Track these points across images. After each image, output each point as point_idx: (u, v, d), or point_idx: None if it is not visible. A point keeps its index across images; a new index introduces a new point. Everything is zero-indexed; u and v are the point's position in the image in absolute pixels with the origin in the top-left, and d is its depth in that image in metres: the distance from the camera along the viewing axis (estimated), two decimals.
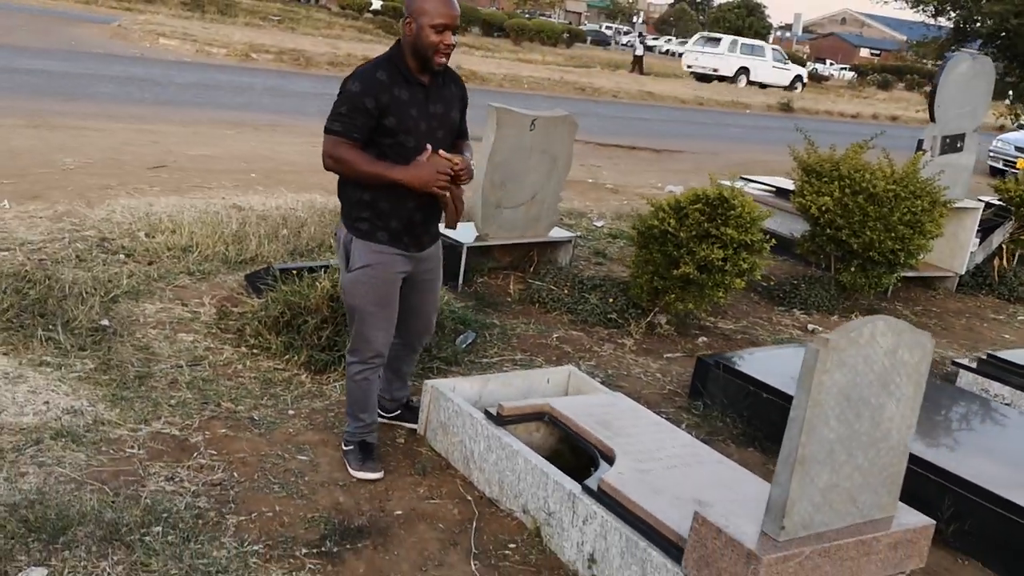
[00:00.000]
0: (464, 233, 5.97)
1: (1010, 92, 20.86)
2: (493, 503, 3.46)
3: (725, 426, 4.39)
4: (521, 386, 4.02)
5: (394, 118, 3.21)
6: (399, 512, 3.33)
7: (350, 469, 3.53)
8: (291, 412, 3.99)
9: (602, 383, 4.66)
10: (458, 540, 3.21)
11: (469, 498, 3.48)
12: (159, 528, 3.00)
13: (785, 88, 34.12)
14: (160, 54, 17.12)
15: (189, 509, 3.13)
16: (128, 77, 13.62)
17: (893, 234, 6.45)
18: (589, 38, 57.08)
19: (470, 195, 6.02)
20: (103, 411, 3.74)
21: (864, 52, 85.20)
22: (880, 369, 2.61)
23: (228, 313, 4.94)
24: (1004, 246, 8.30)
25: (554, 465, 3.37)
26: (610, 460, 3.27)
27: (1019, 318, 7.58)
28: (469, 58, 24.89)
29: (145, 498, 3.15)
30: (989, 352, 5.47)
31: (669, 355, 5.36)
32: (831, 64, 73.45)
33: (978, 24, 19.67)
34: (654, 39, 66.03)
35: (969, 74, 7.61)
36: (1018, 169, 14.09)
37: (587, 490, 3.09)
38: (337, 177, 3.36)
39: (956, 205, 7.49)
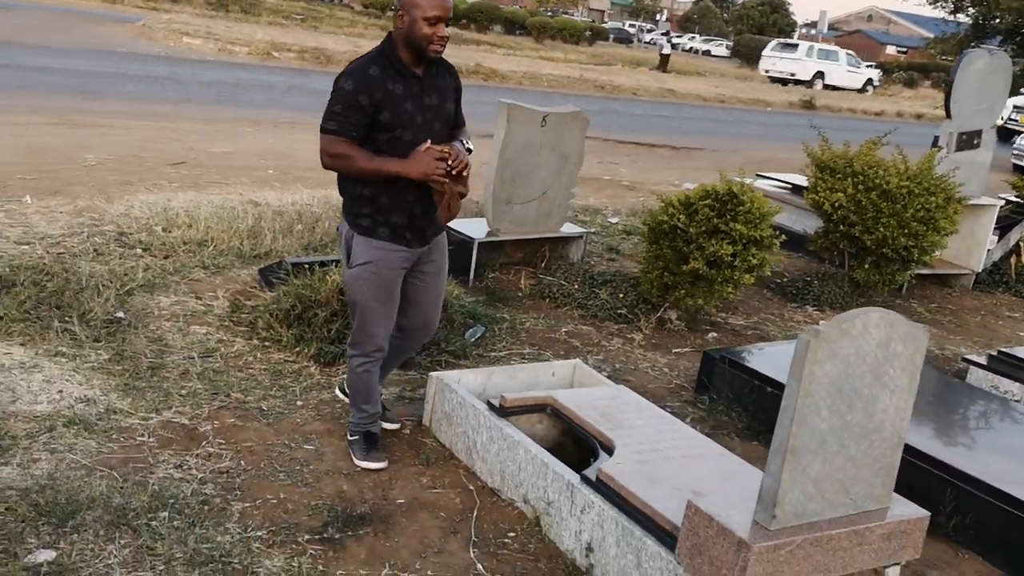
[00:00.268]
0: (475, 228, 6.03)
1: None
2: (495, 493, 3.51)
3: (730, 420, 4.41)
4: (526, 379, 4.06)
5: (389, 113, 3.22)
6: (401, 501, 3.38)
7: (354, 459, 3.59)
8: (299, 403, 4.06)
9: (609, 377, 4.69)
10: (458, 528, 3.25)
11: (471, 488, 3.53)
12: (165, 513, 3.06)
13: (858, 91, 35.83)
14: (183, 53, 17.30)
15: (195, 495, 3.20)
16: (151, 75, 13.78)
17: (906, 230, 6.43)
18: (612, 36, 56.98)
19: (480, 191, 6.10)
20: (115, 400, 3.82)
21: (891, 49, 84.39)
22: (873, 361, 2.63)
23: (241, 306, 5.02)
24: (1022, 244, 8.25)
25: (557, 456, 3.41)
26: (610, 451, 3.31)
27: None
28: (490, 56, 24.94)
29: (153, 484, 3.22)
30: (1000, 349, 5.45)
31: (677, 350, 5.39)
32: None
33: (997, 20, 19.69)
34: (678, 36, 65.77)
35: (986, 70, 7.56)
36: None
37: (585, 480, 3.13)
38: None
39: (973, 202, 7.46)
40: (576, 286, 5.98)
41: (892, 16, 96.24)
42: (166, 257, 5.62)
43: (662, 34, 57.48)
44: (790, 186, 8.78)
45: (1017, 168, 16.32)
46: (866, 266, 6.73)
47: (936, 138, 7.32)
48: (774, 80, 34.90)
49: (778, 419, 2.56)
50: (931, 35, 49.90)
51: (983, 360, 5.26)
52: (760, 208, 5.35)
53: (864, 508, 2.78)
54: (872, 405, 2.68)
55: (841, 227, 6.65)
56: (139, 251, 5.66)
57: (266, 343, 4.62)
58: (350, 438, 3.66)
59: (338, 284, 4.66)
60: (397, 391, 4.29)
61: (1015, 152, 16.94)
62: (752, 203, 5.32)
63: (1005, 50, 13.24)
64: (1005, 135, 20.48)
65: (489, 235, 6.00)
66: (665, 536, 2.80)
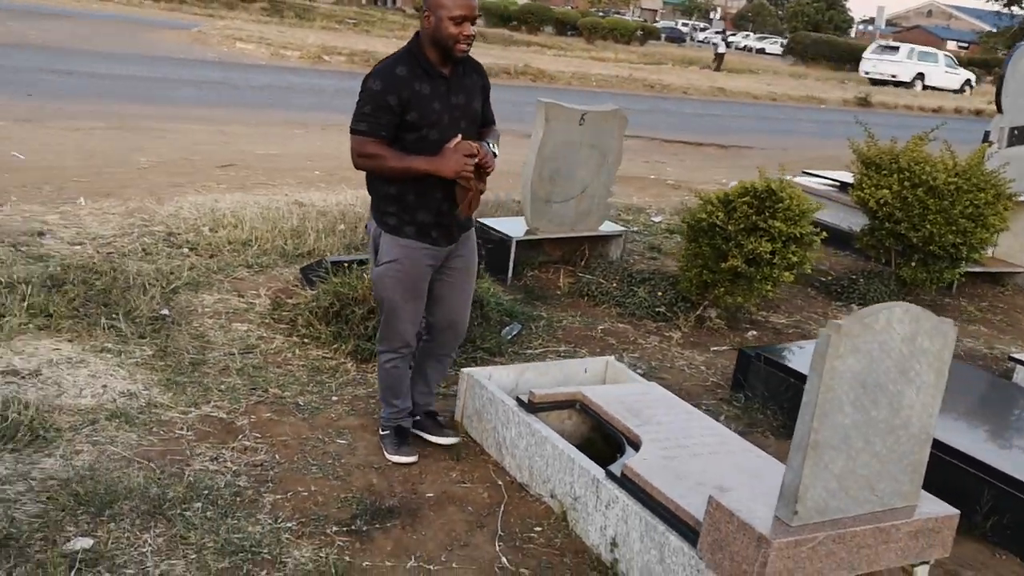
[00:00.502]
0: (513, 227, 6.06)
1: None
2: (523, 488, 3.53)
3: (765, 418, 4.38)
4: (558, 375, 4.08)
5: (416, 112, 3.24)
6: (430, 494, 3.42)
7: (386, 453, 3.64)
8: (335, 398, 4.12)
9: (643, 375, 4.69)
10: (485, 523, 3.28)
11: (500, 483, 3.55)
12: (199, 504, 3.15)
13: (955, 91, 36.46)
14: (237, 58, 17.64)
15: (229, 487, 3.28)
16: (205, 80, 14.08)
17: (954, 227, 6.31)
18: (664, 35, 56.63)
19: (519, 190, 6.12)
20: (157, 395, 3.92)
21: (951, 45, 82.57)
22: (898, 356, 2.60)
23: (282, 304, 5.11)
24: None
25: (587, 452, 3.42)
26: (637, 447, 3.31)
27: None
28: (539, 57, 24.98)
29: (188, 476, 3.31)
30: None
31: (716, 348, 5.35)
32: None
33: None
34: (732, 35, 65.12)
35: None
36: None
37: (611, 475, 3.13)
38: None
39: None
40: (614, 284, 5.97)
41: (953, 11, 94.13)
42: (211, 256, 5.74)
43: (716, 32, 57.02)
44: (837, 183, 8.65)
45: None
46: (913, 264, 6.61)
47: (987, 133, 7.17)
48: (874, 82, 35.56)
49: (799, 414, 2.54)
50: (995, 30, 48.80)
51: None
52: (800, 205, 5.29)
53: (891, 505, 2.74)
54: (898, 401, 2.65)
55: (887, 224, 6.55)
56: (186, 251, 5.80)
57: (305, 340, 4.70)
58: (382, 433, 3.72)
59: None
60: None
61: None
62: (791, 200, 5.27)
63: None
64: None
65: (528, 234, 6.03)
66: (688, 531, 2.80)
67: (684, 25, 75.16)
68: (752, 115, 19.74)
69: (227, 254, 5.80)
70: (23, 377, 3.87)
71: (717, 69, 31.58)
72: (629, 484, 3.06)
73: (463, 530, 3.23)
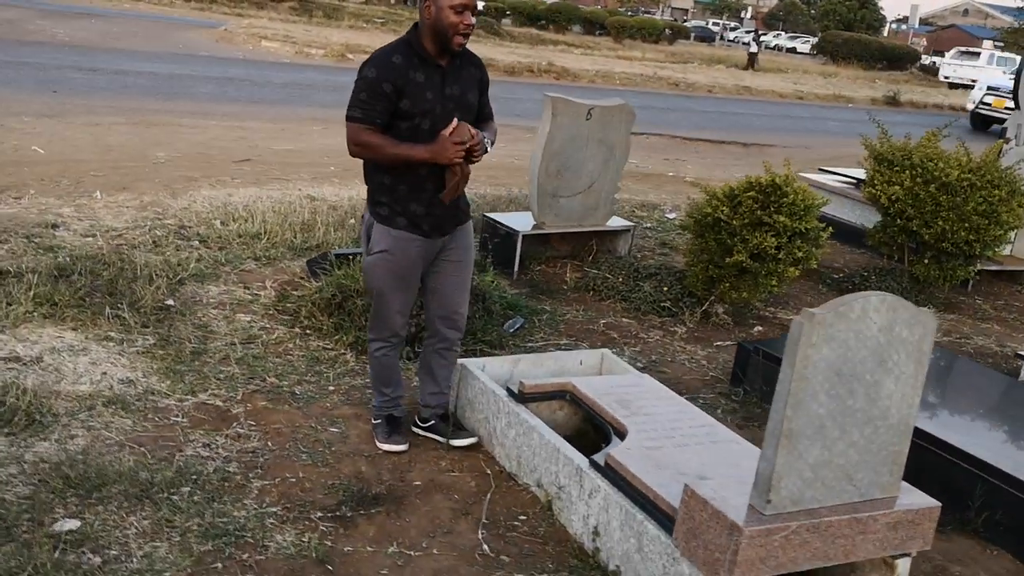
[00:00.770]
0: (520, 221, 6.08)
1: None
2: (512, 477, 3.54)
3: (762, 412, 4.35)
4: (553, 367, 4.08)
5: (409, 101, 3.24)
6: (418, 483, 3.45)
7: (377, 442, 3.66)
8: (331, 388, 4.16)
9: (643, 368, 4.69)
10: (471, 511, 3.30)
11: (488, 472, 3.57)
12: (187, 488, 3.19)
13: None
14: (261, 56, 17.79)
15: (218, 472, 3.32)
16: (228, 78, 14.21)
17: (967, 224, 6.23)
18: (693, 34, 56.35)
19: (526, 183, 6.14)
20: (155, 382, 3.98)
21: (987, 44, 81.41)
22: (875, 345, 2.58)
23: (287, 296, 5.16)
24: None
25: (578, 443, 3.43)
26: (623, 437, 3.31)
27: None
28: (564, 55, 24.97)
29: (178, 461, 3.36)
30: None
31: (719, 343, 5.33)
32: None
33: None
34: (763, 34, 64.65)
35: None
36: None
37: (594, 465, 3.14)
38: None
39: None
40: (621, 279, 5.96)
41: (989, 10, 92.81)
42: (221, 249, 5.80)
43: (747, 32, 56.60)
44: (854, 181, 8.58)
45: None
46: (926, 261, 6.55)
47: (1004, 129, 7.08)
48: (953, 86, 36.13)
49: (773, 403, 2.53)
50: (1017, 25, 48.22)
51: None
52: (805, 200, 5.26)
53: (870, 496, 2.73)
54: (876, 391, 2.63)
55: (898, 221, 6.49)
56: (196, 243, 5.87)
57: (307, 331, 4.74)
58: (374, 421, 3.74)
59: None
60: None
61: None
62: (796, 195, 5.23)
63: None
64: (980, 122, 20.15)
65: (534, 228, 6.04)
66: (666, 520, 2.80)
67: (715, 25, 74.77)
68: (777, 113, 19.60)
69: (236, 247, 5.87)
70: (24, 363, 3.94)
71: (751, 69, 31.36)
72: (611, 474, 3.06)
73: (447, 518, 3.25)
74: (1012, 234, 7.05)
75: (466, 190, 3.53)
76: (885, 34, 68.74)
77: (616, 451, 3.13)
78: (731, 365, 4.92)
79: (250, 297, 5.12)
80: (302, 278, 5.45)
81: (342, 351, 4.55)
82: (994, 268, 7.18)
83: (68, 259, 5.10)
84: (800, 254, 5.33)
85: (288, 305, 5.05)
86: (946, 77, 38.52)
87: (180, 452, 3.44)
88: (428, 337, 3.74)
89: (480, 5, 44.83)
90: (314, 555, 2.92)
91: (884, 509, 2.71)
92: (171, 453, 3.41)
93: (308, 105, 12.66)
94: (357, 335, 4.62)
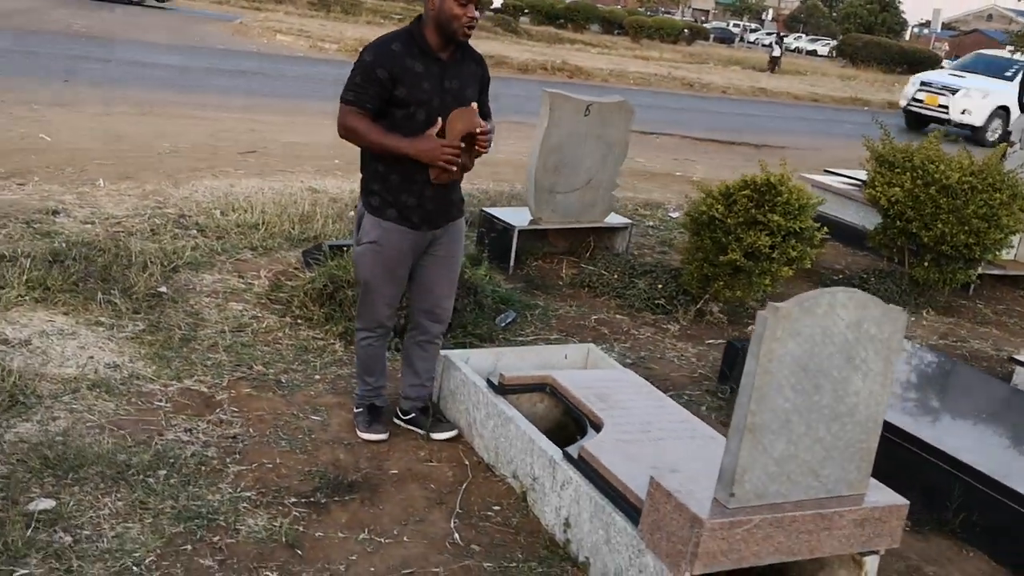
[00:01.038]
0: (517, 216, 6.08)
1: None
2: (489, 469, 3.55)
3: None
4: (537, 360, 4.09)
5: (405, 88, 3.24)
6: (395, 471, 3.46)
7: (357, 430, 3.68)
8: (317, 377, 4.18)
9: (630, 364, 4.69)
10: (445, 500, 3.31)
11: (467, 463, 3.58)
12: (164, 471, 3.22)
13: None
14: (276, 49, 17.87)
15: (196, 457, 3.35)
16: (240, 71, 14.28)
17: (967, 227, 6.20)
18: (712, 35, 56.11)
19: (523, 179, 6.14)
20: (141, 367, 4.01)
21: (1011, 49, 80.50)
22: (842, 341, 2.58)
23: (280, 286, 5.18)
24: None
25: (558, 436, 3.44)
26: (600, 430, 3.31)
27: None
28: (579, 54, 24.95)
29: (157, 445, 3.38)
30: None
31: (711, 341, 5.33)
32: None
33: None
34: (784, 35, 64.35)
35: None
36: None
37: (567, 456, 3.15)
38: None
39: None
40: (616, 276, 5.96)
41: (1014, 15, 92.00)
42: (219, 238, 5.84)
43: (768, 34, 56.36)
44: (859, 182, 8.53)
45: None
46: (926, 264, 6.51)
47: (1008, 133, 7.03)
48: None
49: (738, 397, 2.53)
50: None
51: None
52: (799, 200, 5.24)
53: (836, 492, 2.72)
54: (843, 387, 2.63)
55: (898, 223, 6.46)
56: (194, 232, 5.90)
57: (298, 320, 4.77)
58: (356, 410, 3.76)
59: None
60: None
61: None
62: (790, 194, 5.22)
63: None
64: (914, 120, 18.87)
65: (531, 224, 6.04)
66: (633, 512, 2.81)
67: (736, 26, 74.45)
68: (791, 115, 19.51)
69: (234, 236, 5.90)
70: (12, 346, 3.98)
71: (772, 71, 31.18)
72: (584, 466, 3.07)
73: (421, 507, 3.26)
74: (1015, 239, 7.01)
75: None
76: (907, 38, 68.29)
77: (589, 443, 3.14)
78: (720, 363, 4.91)
79: (244, 286, 5.15)
80: (297, 268, 5.48)
81: (331, 341, 4.57)
82: (996, 272, 7.14)
83: (64, 245, 5.15)
84: (794, 253, 5.31)
85: (281, 295, 5.07)
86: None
87: (160, 436, 3.47)
88: (410, 329, 3.75)
89: (498, 3, 44.67)
90: (284, 539, 2.94)
91: (851, 506, 2.71)
92: (150, 437, 3.44)
93: (319, 99, 12.67)
94: (347, 325, 4.63)
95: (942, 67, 21.28)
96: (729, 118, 17.44)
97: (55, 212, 5.91)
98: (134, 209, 6.26)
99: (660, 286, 5.82)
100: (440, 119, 3.30)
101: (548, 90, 5.86)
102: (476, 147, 3.33)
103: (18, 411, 3.47)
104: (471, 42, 3.48)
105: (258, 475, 3.30)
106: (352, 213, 6.61)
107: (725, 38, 61.70)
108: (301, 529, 3.02)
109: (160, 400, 3.76)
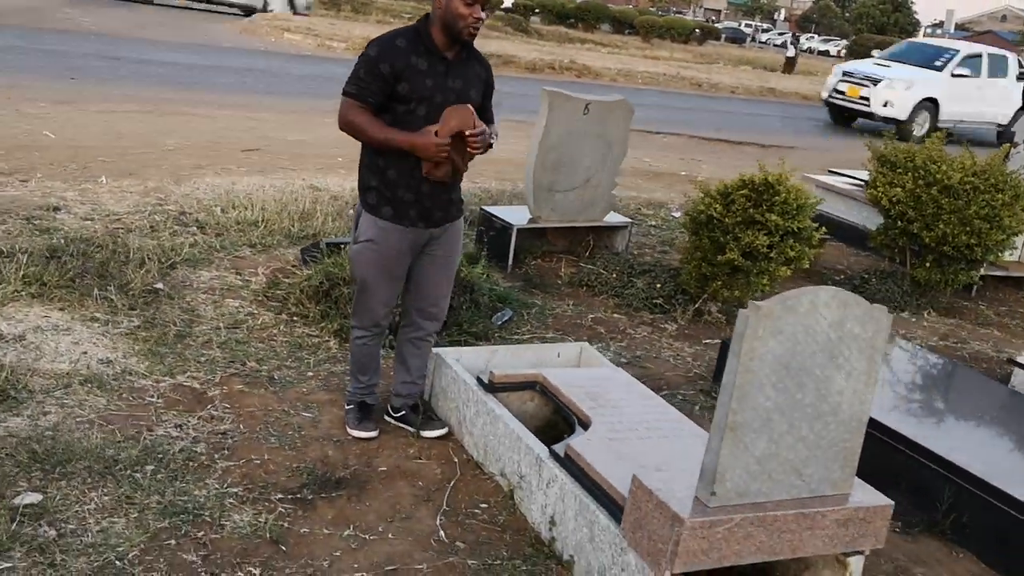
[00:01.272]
0: (516, 215, 6.08)
1: None
2: (479, 466, 3.55)
3: None
4: (530, 358, 4.08)
5: (407, 84, 3.24)
6: (383, 469, 3.46)
7: (347, 427, 3.68)
8: (310, 374, 4.19)
9: (625, 363, 4.68)
10: (432, 497, 3.31)
11: (456, 460, 3.58)
12: (151, 467, 3.23)
13: None
14: (283, 48, 17.90)
15: (184, 452, 3.36)
16: (248, 69, 14.31)
17: (968, 228, 6.16)
18: (724, 36, 55.95)
19: (521, 177, 6.13)
20: (134, 363, 4.02)
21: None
22: (825, 340, 2.57)
23: (278, 283, 5.19)
24: None
25: (548, 434, 3.44)
26: (587, 428, 3.31)
27: None
28: (588, 53, 24.91)
29: (146, 440, 3.39)
30: None
31: (708, 341, 5.31)
32: None
33: None
34: (798, 36, 64.14)
35: None
36: None
37: (553, 455, 3.14)
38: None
39: None
40: (615, 275, 5.95)
41: None
42: (218, 235, 5.85)
43: (780, 34, 56.17)
44: (863, 182, 8.50)
45: None
46: (927, 265, 6.48)
47: (1012, 133, 6.99)
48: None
49: (719, 395, 2.52)
50: None
51: None
52: (797, 199, 5.22)
53: (820, 492, 2.71)
54: (826, 386, 2.62)
55: (899, 223, 6.43)
56: (194, 229, 5.92)
57: (294, 318, 4.78)
58: (347, 407, 3.76)
59: None
60: None
61: None
62: (788, 194, 5.20)
63: None
64: (838, 114, 17.85)
65: (530, 222, 6.04)
66: (616, 510, 2.80)
67: (747, 26, 74.24)
68: (799, 116, 19.43)
69: (233, 233, 5.91)
70: (6, 341, 4.00)
71: (789, 72, 31.04)
72: (569, 464, 3.06)
73: (408, 504, 3.26)
74: (1019, 240, 6.97)
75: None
76: (922, 37, 67.99)
77: (576, 442, 3.14)
78: (716, 363, 4.90)
79: (240, 283, 5.16)
80: (295, 266, 5.48)
81: (326, 338, 4.58)
82: (999, 274, 7.10)
83: (62, 241, 5.17)
84: (792, 253, 5.29)
85: (278, 292, 5.08)
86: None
87: (150, 432, 3.48)
88: (403, 326, 3.75)
89: (509, 2, 44.55)
90: (268, 535, 2.95)
91: (834, 505, 2.70)
92: (140, 432, 3.45)
93: (326, 97, 12.63)
94: (342, 322, 4.64)
95: (871, 56, 19.97)
96: (737, 118, 17.40)
97: (56, 208, 5.94)
98: (135, 206, 6.28)
99: (659, 286, 5.81)
100: (438, 117, 3.29)
101: (547, 88, 5.85)
102: (468, 148, 3.32)
103: (9, 406, 3.49)
104: (478, 45, 3.48)
105: (246, 471, 3.31)
106: (352, 211, 6.63)
107: (737, 38, 61.50)
108: (286, 525, 3.03)
109: (152, 396, 3.77)
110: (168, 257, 5.26)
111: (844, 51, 52.22)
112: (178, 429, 3.55)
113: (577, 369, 3.97)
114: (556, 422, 3.70)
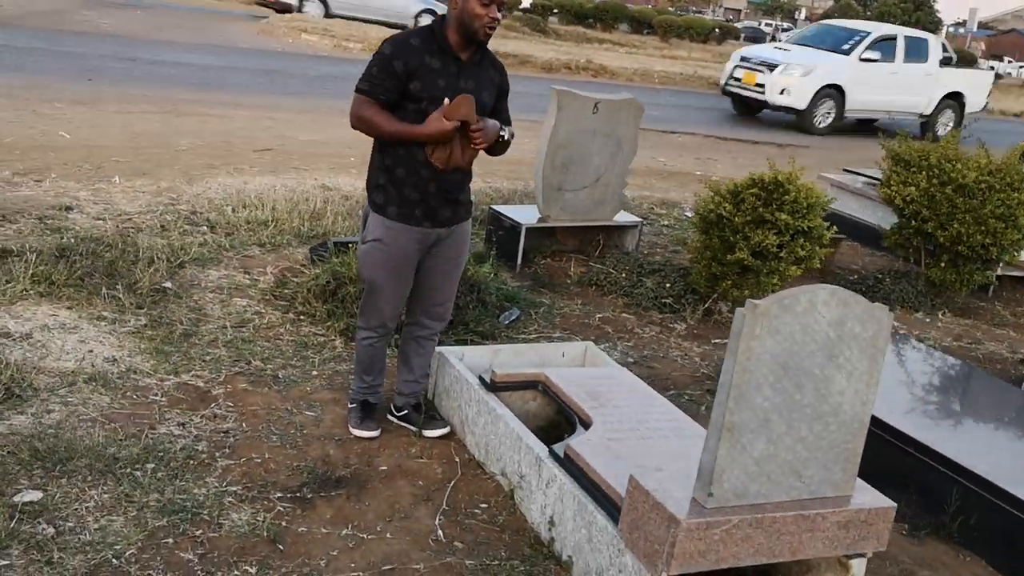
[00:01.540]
0: (525, 214, 6.06)
1: None
2: (480, 466, 3.54)
3: None
4: (534, 358, 4.06)
5: (419, 83, 3.23)
6: (384, 468, 3.45)
7: (349, 426, 3.68)
8: (315, 373, 4.19)
9: (632, 363, 4.66)
10: (432, 497, 3.30)
11: (457, 460, 3.57)
12: (152, 465, 3.23)
13: None
14: (300, 48, 17.94)
15: (185, 450, 3.36)
16: (264, 69, 14.35)
17: (983, 227, 6.09)
18: (743, 35, 55.63)
19: (532, 177, 6.10)
20: (139, 362, 4.03)
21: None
22: (824, 340, 2.53)
23: (286, 282, 5.20)
24: None
25: (551, 434, 3.42)
26: (588, 428, 3.28)
27: None
28: (605, 53, 24.85)
29: (148, 438, 3.40)
30: None
31: (717, 341, 5.27)
32: (1009, 61, 68.89)
33: None
34: None
35: None
36: None
37: (553, 455, 3.12)
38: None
39: None
40: (624, 275, 5.92)
41: None
42: (228, 235, 5.86)
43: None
44: (877, 181, 8.42)
45: None
46: (942, 264, 6.41)
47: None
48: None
49: (716, 395, 2.50)
50: None
51: None
52: (807, 198, 5.18)
53: (820, 494, 2.67)
54: (826, 387, 2.58)
55: (913, 222, 6.36)
56: (204, 229, 5.94)
57: (301, 317, 4.78)
58: (350, 406, 3.76)
59: None
60: None
61: None
62: (798, 192, 5.15)
63: None
64: (740, 103, 16.16)
65: (540, 221, 6.02)
66: (614, 511, 2.77)
67: (767, 25, 73.79)
68: None
69: (243, 233, 5.93)
70: (13, 339, 4.02)
71: None
72: (568, 464, 3.04)
73: (407, 503, 3.25)
74: None
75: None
76: (943, 37, 67.28)
77: (575, 441, 3.11)
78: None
79: (249, 282, 5.17)
80: (303, 265, 5.49)
81: (332, 337, 4.58)
82: (1016, 274, 7.01)
83: (72, 240, 5.19)
84: (803, 253, 5.25)
85: (285, 291, 5.09)
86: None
87: (152, 430, 3.49)
88: (408, 324, 3.74)
89: (527, 2, 44.49)
90: (266, 534, 2.94)
91: (835, 507, 2.66)
92: (142, 430, 3.46)
93: (341, 97, 12.66)
94: (348, 322, 4.64)
95: (775, 39, 17.94)
96: (752, 117, 17.26)
97: (68, 208, 5.97)
98: (147, 205, 6.31)
99: (668, 285, 5.77)
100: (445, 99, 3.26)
101: (556, 87, 5.83)
102: (471, 143, 3.30)
103: (13, 403, 3.51)
104: (494, 45, 3.46)
105: (246, 469, 3.31)
106: (362, 211, 6.63)
107: (757, 37, 61.02)
108: (284, 524, 3.02)
109: (156, 394, 3.78)
110: (177, 256, 5.27)
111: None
112: (180, 427, 3.55)
113: (580, 368, 3.95)
114: (558, 422, 3.68)
